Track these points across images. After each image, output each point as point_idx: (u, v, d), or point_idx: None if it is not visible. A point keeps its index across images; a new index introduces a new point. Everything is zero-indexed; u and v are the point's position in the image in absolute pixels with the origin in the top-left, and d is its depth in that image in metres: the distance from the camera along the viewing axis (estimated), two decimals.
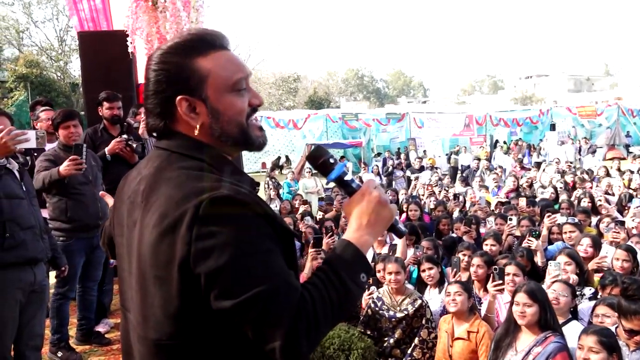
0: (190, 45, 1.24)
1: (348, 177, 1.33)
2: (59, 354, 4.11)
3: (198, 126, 1.24)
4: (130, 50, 5.31)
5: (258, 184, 1.40)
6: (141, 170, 1.31)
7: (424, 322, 3.91)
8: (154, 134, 1.31)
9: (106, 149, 4.66)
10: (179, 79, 1.22)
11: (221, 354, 1.16)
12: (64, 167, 3.80)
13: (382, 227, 1.29)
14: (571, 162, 13.25)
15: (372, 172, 14.57)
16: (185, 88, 1.22)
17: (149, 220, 1.17)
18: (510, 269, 3.81)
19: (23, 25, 28.08)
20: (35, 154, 4.45)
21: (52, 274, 5.80)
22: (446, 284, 4.06)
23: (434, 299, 4.06)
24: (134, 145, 4.71)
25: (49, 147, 4.89)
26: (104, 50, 5.49)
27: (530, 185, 9.08)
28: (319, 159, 1.34)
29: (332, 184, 12.61)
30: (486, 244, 4.87)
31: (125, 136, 4.69)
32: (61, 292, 4.15)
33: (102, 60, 5.48)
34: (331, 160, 1.33)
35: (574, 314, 3.50)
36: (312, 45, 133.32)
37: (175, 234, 1.11)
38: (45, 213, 4.77)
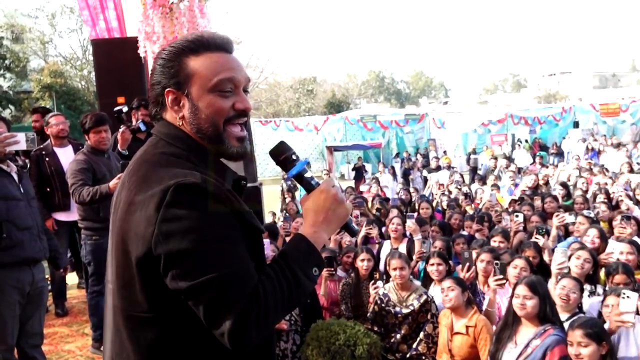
0: (187, 45, 1.33)
1: (308, 175, 1.39)
2: (102, 348, 4.25)
3: (178, 118, 1.34)
4: (142, 55, 5.44)
5: (244, 179, 1.45)
6: (136, 154, 1.42)
7: (429, 317, 3.92)
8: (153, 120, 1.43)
9: (119, 146, 4.80)
10: (170, 73, 1.33)
11: (189, 326, 1.23)
12: (114, 183, 3.85)
13: (336, 224, 1.35)
14: (590, 160, 13.01)
15: (388, 172, 14.55)
16: (174, 82, 1.32)
17: (125, 197, 1.27)
18: (518, 262, 3.80)
19: (48, 36, 28.82)
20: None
21: (72, 275, 6.05)
22: None
23: (437, 294, 4.07)
24: (137, 126, 4.98)
25: (61, 152, 5.07)
26: (116, 56, 5.65)
27: (547, 183, 8.97)
28: (280, 155, 1.38)
29: (341, 185, 12.65)
30: (494, 241, 4.86)
31: (123, 126, 4.84)
32: (96, 290, 4.24)
33: (115, 66, 5.63)
34: (293, 157, 1.38)
35: (579, 307, 3.48)
36: (332, 49, 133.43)
37: (143, 213, 1.19)
38: (71, 214, 4.92)
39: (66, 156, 4.97)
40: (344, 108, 35.04)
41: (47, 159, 5.00)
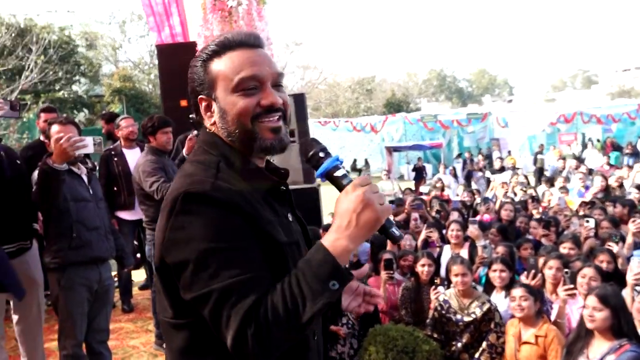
0: (212, 49, 1.31)
1: (339, 173, 1.23)
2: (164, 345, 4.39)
3: (210, 124, 1.33)
4: None
5: (282, 185, 1.35)
6: None
7: (492, 326, 3.76)
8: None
9: (184, 151, 4.89)
10: (199, 80, 1.31)
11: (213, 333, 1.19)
12: None
13: (364, 230, 1.16)
14: None
15: (449, 173, 14.22)
16: (203, 89, 1.31)
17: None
18: (587, 271, 3.58)
19: (118, 42, 30.21)
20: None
21: (139, 272, 6.28)
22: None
23: (500, 302, 3.90)
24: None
25: (129, 153, 5.25)
26: (179, 60, 5.79)
27: (621, 186, 8.43)
28: (307, 153, 1.27)
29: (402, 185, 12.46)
30: (564, 247, 4.60)
31: (195, 132, 4.91)
32: None
33: (178, 70, 5.76)
34: (321, 154, 1.25)
35: None
36: (392, 48, 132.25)
37: (160, 222, 1.21)
38: (135, 213, 5.09)
39: (134, 157, 5.14)
40: (404, 108, 34.62)
41: (115, 159, 5.22)
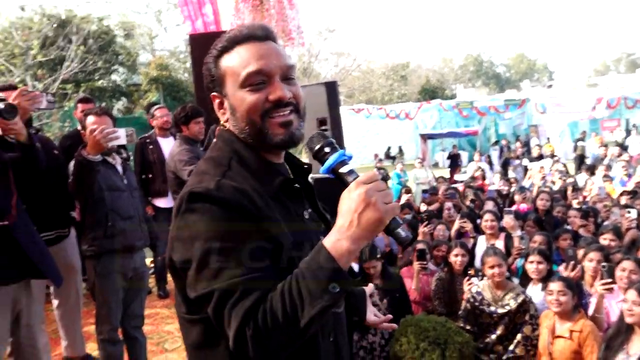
0: (222, 45, 1.29)
1: (345, 169, 1.18)
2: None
3: (223, 121, 1.32)
4: None
5: (297, 181, 1.31)
6: None
7: (527, 318, 3.68)
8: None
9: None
10: (211, 77, 1.30)
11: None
12: None
13: (366, 232, 1.09)
14: None
15: (484, 161, 13.92)
16: (215, 86, 1.30)
17: None
18: (626, 264, 3.45)
19: (155, 31, 30.68)
20: None
21: None
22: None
23: (536, 295, 3.80)
24: None
25: (163, 142, 5.33)
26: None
27: None
28: (312, 148, 1.23)
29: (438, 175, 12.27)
30: (604, 238, 4.45)
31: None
32: None
33: None
34: (326, 149, 1.20)
35: None
36: (426, 33, 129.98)
37: (172, 221, 1.23)
38: (170, 200, 5.17)
39: (168, 146, 5.21)
40: (439, 94, 34.07)
41: (150, 147, 5.33)
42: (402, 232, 1.16)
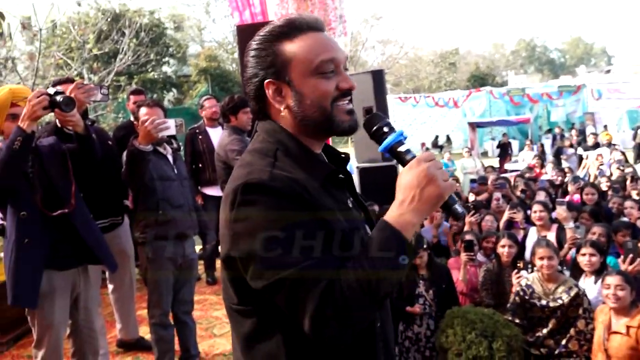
0: (279, 30, 1.28)
1: (403, 148, 1.23)
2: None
3: (283, 109, 1.29)
4: None
5: (342, 172, 1.34)
6: None
7: (580, 312, 3.56)
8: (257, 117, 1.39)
9: None
10: (266, 63, 1.28)
11: (281, 319, 1.21)
12: None
13: (427, 206, 1.15)
14: None
15: (536, 150, 13.47)
16: (272, 72, 1.27)
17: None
18: None
19: (203, 23, 31.23)
20: None
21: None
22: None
23: (589, 288, 3.67)
24: None
25: (212, 132, 5.44)
26: None
27: None
28: (371, 128, 1.27)
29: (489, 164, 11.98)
30: None
31: None
32: None
33: None
34: (385, 129, 1.25)
35: None
36: (476, 18, 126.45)
37: (223, 214, 1.23)
38: (219, 189, 5.26)
39: (217, 136, 5.30)
40: (489, 81, 33.17)
41: (200, 137, 5.46)
42: (459, 207, 1.23)
